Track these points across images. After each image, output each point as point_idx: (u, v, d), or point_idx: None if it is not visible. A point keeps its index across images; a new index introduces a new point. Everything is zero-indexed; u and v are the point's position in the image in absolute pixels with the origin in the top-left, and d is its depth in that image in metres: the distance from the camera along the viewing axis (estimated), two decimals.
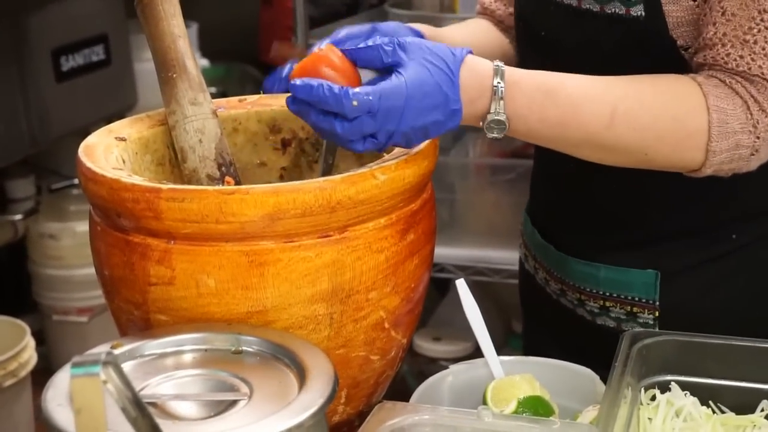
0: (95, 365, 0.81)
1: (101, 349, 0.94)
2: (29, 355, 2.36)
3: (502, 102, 1.15)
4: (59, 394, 0.95)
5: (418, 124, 1.11)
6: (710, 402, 1.17)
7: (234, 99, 1.43)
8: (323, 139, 1.24)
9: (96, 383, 0.81)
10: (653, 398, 1.17)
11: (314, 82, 1.09)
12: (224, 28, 3.36)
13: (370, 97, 1.08)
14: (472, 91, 1.14)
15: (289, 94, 1.14)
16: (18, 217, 2.75)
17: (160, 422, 0.90)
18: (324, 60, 1.15)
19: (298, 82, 1.11)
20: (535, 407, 1.19)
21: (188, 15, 3.00)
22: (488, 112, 1.15)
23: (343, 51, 1.16)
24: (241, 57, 3.49)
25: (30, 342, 2.39)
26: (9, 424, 2.32)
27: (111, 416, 0.85)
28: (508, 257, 2.30)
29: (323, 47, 1.19)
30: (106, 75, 2.78)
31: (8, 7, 2.51)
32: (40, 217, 2.77)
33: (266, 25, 3.56)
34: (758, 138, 1.18)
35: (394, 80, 1.10)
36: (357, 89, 1.09)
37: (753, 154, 1.19)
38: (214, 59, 3.22)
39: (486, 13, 1.56)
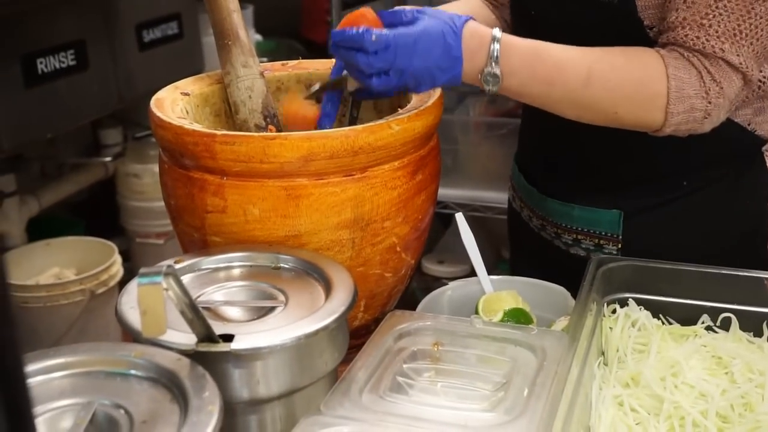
0: (158, 275, 0.81)
1: (165, 263, 0.93)
2: (117, 269, 2.37)
3: (497, 61, 1.14)
4: (131, 299, 0.95)
5: (425, 65, 1.12)
6: (660, 315, 1.16)
7: (278, 63, 1.42)
8: (352, 75, 1.21)
9: (158, 290, 0.80)
10: (614, 311, 1.16)
11: (345, 30, 1.13)
12: (274, 10, 3.33)
13: (386, 34, 1.10)
14: (472, 46, 1.13)
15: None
16: (108, 159, 2.75)
17: (212, 323, 0.90)
18: (360, 17, 1.15)
19: (336, 30, 1.15)
20: (517, 317, 1.18)
21: None
22: (485, 66, 1.14)
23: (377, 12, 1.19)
24: (288, 34, 3.46)
25: (117, 259, 2.40)
26: (101, 322, 2.34)
27: (171, 317, 0.85)
28: (499, 197, 2.28)
29: (362, 8, 1.19)
30: (179, 46, 2.76)
31: None
32: (126, 160, 2.77)
33: (308, 7, 3.54)
34: (710, 103, 1.15)
35: (407, 27, 1.12)
36: (376, 30, 1.11)
37: (706, 118, 1.17)
38: (265, 35, 3.20)
39: None
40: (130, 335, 0.93)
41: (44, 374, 0.86)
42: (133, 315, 0.92)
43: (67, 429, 0.80)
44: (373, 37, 1.09)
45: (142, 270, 0.81)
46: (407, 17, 1.14)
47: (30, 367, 0.86)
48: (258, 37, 3.14)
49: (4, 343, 0.47)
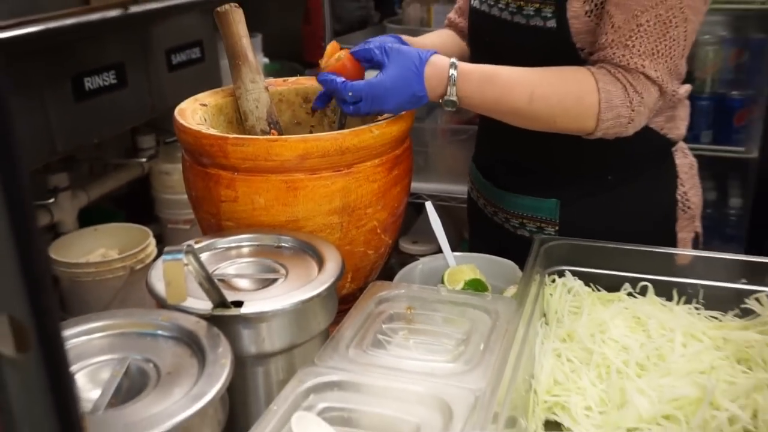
0: (179, 253, 0.80)
1: (186, 243, 0.91)
2: (152, 249, 2.35)
3: (454, 87, 1.13)
4: (158, 273, 0.93)
5: (395, 105, 1.12)
6: (591, 284, 1.15)
7: (280, 80, 1.39)
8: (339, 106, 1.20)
9: (180, 265, 0.79)
10: (553, 281, 1.15)
11: (329, 76, 1.13)
12: (279, 38, 3.30)
13: (360, 88, 1.10)
14: (434, 81, 1.12)
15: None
16: (144, 160, 2.73)
17: (225, 292, 0.88)
18: (341, 68, 1.15)
19: (320, 77, 1.14)
20: (475, 286, 1.17)
21: (255, 28, 2.96)
22: (445, 94, 1.13)
23: (351, 52, 1.17)
24: (290, 57, 3.43)
25: (152, 241, 2.37)
26: (139, 293, 2.31)
27: (191, 287, 0.85)
28: (460, 189, 2.26)
29: (342, 54, 1.18)
30: (201, 68, 2.74)
31: (137, 21, 2.48)
32: (159, 160, 2.74)
33: (307, 36, 3.51)
34: (633, 111, 1.15)
35: (378, 78, 1.11)
36: (353, 83, 1.11)
37: (629, 123, 1.16)
38: (272, 58, 3.17)
39: (451, 25, 1.51)
40: (159, 303, 0.91)
41: (87, 335, 0.85)
42: (160, 286, 0.90)
43: (105, 380, 0.79)
44: (350, 93, 1.10)
45: (167, 249, 0.80)
46: (377, 56, 1.13)
47: (76, 329, 0.85)
48: (266, 60, 3.11)
49: (45, 311, 0.45)
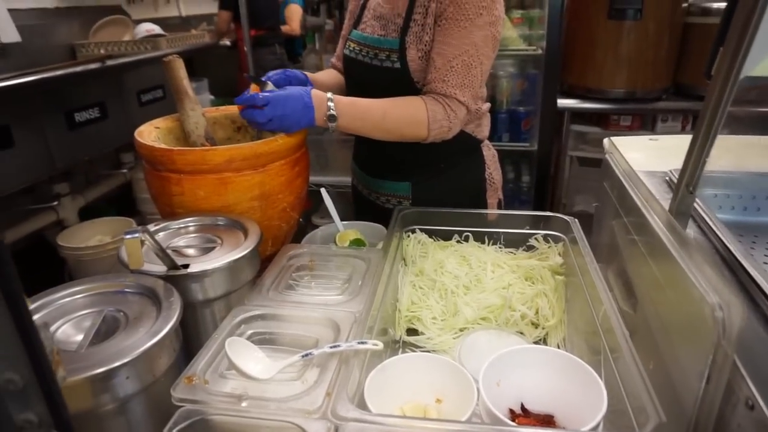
0: (137, 233, 0.73)
1: (142, 226, 0.84)
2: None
3: (332, 104, 1.09)
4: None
5: (292, 112, 1.05)
6: (433, 236, 1.15)
7: (213, 108, 1.30)
8: (252, 126, 1.13)
9: (137, 242, 0.73)
10: (408, 236, 1.14)
11: (243, 95, 1.06)
12: (220, 81, 3.15)
13: (267, 95, 1.04)
14: (317, 102, 1.08)
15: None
16: (126, 171, 2.56)
17: (177, 258, 0.83)
18: (254, 89, 1.09)
19: (237, 99, 1.07)
20: (357, 243, 1.15)
21: (204, 74, 2.78)
22: (327, 112, 1.09)
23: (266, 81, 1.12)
24: (228, 95, 3.30)
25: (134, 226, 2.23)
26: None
27: (152, 257, 0.77)
28: (347, 180, 2.22)
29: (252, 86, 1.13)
30: (163, 103, 2.59)
31: (115, 70, 2.33)
32: (137, 170, 2.59)
33: (240, 79, 3.39)
34: (450, 122, 1.15)
35: (281, 91, 1.06)
36: (262, 93, 1.05)
37: (449, 131, 1.16)
38: (216, 96, 3.03)
39: (333, 67, 1.47)
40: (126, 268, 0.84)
41: (72, 296, 0.77)
42: (123, 255, 0.83)
43: (87, 327, 0.72)
44: (261, 96, 1.04)
45: (126, 230, 0.73)
46: (279, 84, 1.09)
47: (65, 292, 0.77)
48: (212, 97, 2.97)
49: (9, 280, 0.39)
